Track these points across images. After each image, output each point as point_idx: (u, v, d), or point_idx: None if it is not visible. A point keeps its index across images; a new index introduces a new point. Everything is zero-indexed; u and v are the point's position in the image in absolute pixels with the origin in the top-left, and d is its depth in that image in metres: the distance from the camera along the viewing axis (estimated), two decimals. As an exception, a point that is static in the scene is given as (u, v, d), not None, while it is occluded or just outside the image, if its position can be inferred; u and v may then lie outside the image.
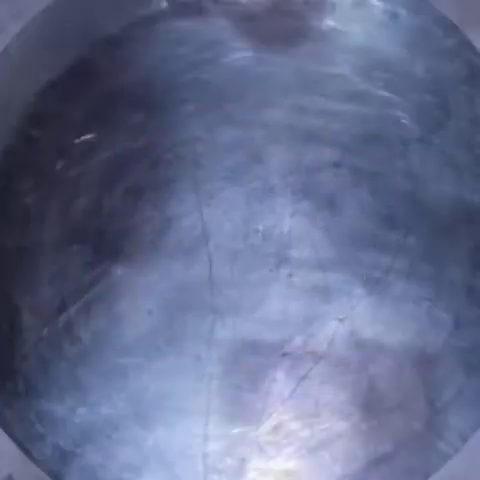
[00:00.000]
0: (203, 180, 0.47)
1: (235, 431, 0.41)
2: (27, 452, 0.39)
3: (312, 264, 0.45)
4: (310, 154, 0.47)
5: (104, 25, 0.51)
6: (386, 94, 0.49)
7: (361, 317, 0.43)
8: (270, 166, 0.47)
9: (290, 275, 0.44)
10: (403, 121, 0.48)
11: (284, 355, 0.42)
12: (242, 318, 0.43)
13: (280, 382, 0.42)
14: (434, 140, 0.47)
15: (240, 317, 0.43)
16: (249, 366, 0.42)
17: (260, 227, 0.46)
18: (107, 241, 0.45)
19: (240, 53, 0.51)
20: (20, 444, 0.39)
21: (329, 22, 0.51)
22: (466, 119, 0.48)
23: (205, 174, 0.47)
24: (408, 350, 0.42)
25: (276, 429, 0.41)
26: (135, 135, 0.49)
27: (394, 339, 0.42)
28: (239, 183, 0.47)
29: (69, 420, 0.41)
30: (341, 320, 0.43)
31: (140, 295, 0.44)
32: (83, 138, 0.48)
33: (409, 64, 0.50)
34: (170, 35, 0.51)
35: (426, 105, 0.48)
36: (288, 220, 0.46)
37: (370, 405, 0.41)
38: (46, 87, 0.50)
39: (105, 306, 0.44)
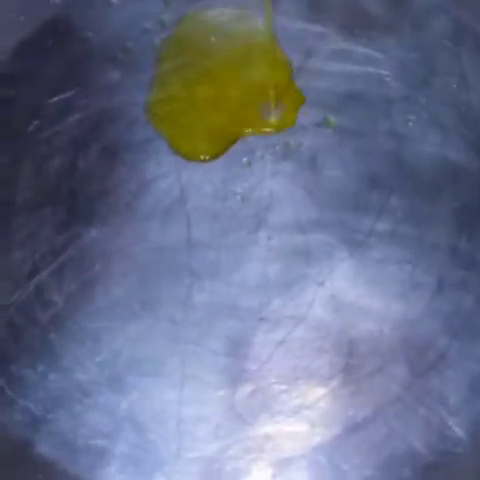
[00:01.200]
0: (181, 141, 0.45)
1: (210, 396, 0.39)
2: (-3, 418, 0.37)
3: (292, 226, 0.42)
4: (291, 113, 0.45)
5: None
6: (370, 52, 0.46)
7: (342, 280, 0.41)
8: (250, 126, 0.45)
9: (269, 238, 0.42)
10: (387, 79, 0.45)
11: (262, 319, 0.40)
12: (220, 281, 0.41)
13: (257, 346, 0.40)
14: (419, 99, 0.45)
15: (218, 280, 0.41)
16: (226, 330, 0.40)
17: (239, 189, 0.43)
18: (81, 203, 0.43)
19: (220, 10, 0.48)
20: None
21: (312, -22, 0.48)
22: (452, 77, 0.45)
23: (184, 135, 0.45)
24: (389, 314, 0.40)
25: (253, 394, 0.39)
26: (111, 94, 0.46)
27: (375, 302, 0.40)
28: (218, 144, 0.44)
29: (41, 386, 0.39)
30: (321, 283, 0.41)
31: (115, 258, 0.42)
32: (57, 98, 0.46)
33: (393, 21, 0.47)
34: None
35: (411, 63, 0.46)
36: (268, 181, 0.43)
37: (349, 370, 0.39)
38: (18, 46, 0.47)
39: (78, 269, 0.41)
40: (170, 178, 0.44)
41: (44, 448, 0.38)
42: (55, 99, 0.46)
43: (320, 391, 0.39)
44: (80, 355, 0.39)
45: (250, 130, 0.44)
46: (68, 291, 0.41)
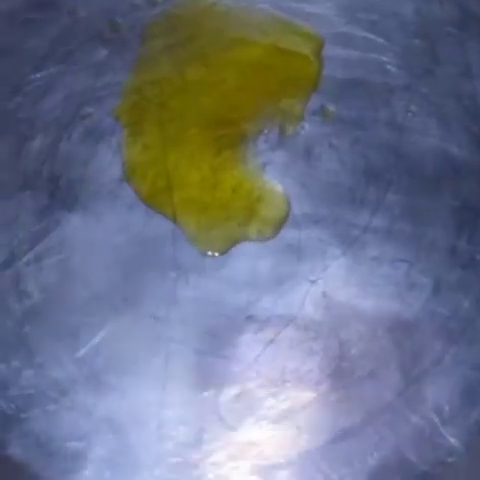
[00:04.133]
0: (170, 125, 0.41)
1: (193, 398, 0.36)
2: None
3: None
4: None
5: None
6: (371, 37, 0.43)
7: (334, 279, 0.38)
8: (243, 111, 0.41)
9: (260, 231, 0.38)
10: (388, 66, 0.42)
11: (250, 317, 0.37)
12: (206, 276, 0.38)
13: (244, 346, 0.36)
14: (421, 88, 0.41)
15: (204, 275, 0.38)
16: (211, 329, 0.37)
17: (229, 178, 0.40)
18: (62, 188, 0.40)
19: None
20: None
21: (312, -45, 0.44)
22: (456, 66, 0.42)
23: (173, 118, 0.41)
24: (383, 315, 0.37)
25: (238, 397, 0.36)
26: (98, 73, 0.42)
27: (368, 303, 0.37)
28: (208, 129, 0.41)
29: (14, 382, 0.36)
30: (313, 281, 0.38)
31: (96, 249, 0.38)
32: (40, 74, 0.42)
33: (397, 5, 0.43)
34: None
35: (414, 50, 0.42)
36: (259, 170, 0.40)
37: (340, 374, 0.36)
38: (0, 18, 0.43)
39: (58, 259, 0.38)
40: (157, 165, 0.40)
41: (16, 450, 0.35)
42: (38, 75, 0.42)
43: (308, 396, 0.36)
44: (57, 351, 0.36)
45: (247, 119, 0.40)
46: (46, 282, 0.38)
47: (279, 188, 0.39)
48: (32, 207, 0.39)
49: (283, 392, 0.36)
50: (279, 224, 0.38)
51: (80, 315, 0.37)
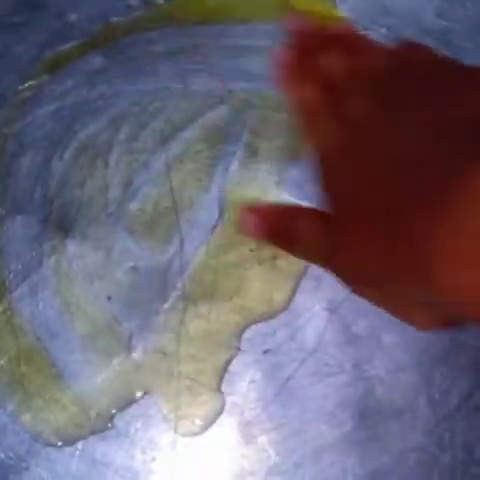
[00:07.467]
0: (172, 143, 0.41)
1: (205, 440, 0.35)
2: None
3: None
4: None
5: None
6: (390, 43, 0.42)
7: (356, 308, 0.38)
8: (247, 123, 0.41)
9: (274, 257, 0.38)
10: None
11: (266, 352, 0.37)
12: (217, 306, 0.37)
13: (261, 384, 0.36)
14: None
15: (215, 305, 0.37)
16: (224, 364, 0.36)
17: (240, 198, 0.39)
18: (57, 212, 0.39)
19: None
20: None
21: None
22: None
23: (176, 131, 0.41)
24: (410, 348, 0.37)
25: (255, 439, 0.35)
26: (93, 82, 0.42)
27: (393, 335, 0.37)
28: (214, 146, 0.40)
29: (11, 429, 0.35)
30: (333, 311, 0.37)
31: (97, 278, 0.38)
32: (28, 84, 0.41)
33: (417, 9, 0.43)
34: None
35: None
36: (273, 189, 0.40)
37: (365, 412, 0.36)
38: (-16, 22, 0.42)
39: (55, 291, 0.37)
40: (159, 184, 0.40)
41: (16, 504, 0.34)
42: (26, 85, 0.41)
43: (332, 436, 0.36)
44: (56, 393, 0.36)
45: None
46: (42, 317, 0.37)
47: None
48: (24, 234, 0.38)
49: (304, 433, 0.36)
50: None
51: (81, 353, 0.36)
